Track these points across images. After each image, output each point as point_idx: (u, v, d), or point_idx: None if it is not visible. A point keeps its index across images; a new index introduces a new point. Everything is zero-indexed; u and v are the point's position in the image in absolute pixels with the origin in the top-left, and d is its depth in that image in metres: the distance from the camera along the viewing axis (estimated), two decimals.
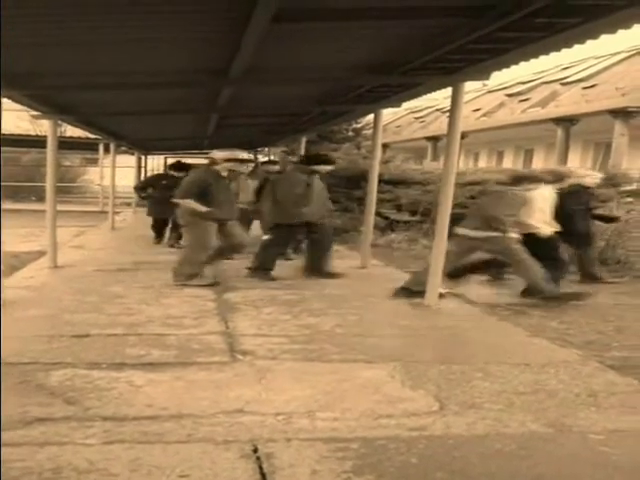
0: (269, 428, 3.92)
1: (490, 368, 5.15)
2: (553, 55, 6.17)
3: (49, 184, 10.05)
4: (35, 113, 10.38)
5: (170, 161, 23.04)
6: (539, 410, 4.30)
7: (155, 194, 13.27)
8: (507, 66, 6.80)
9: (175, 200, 8.80)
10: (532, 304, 7.60)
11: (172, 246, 12.46)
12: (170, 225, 13.11)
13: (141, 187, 14.70)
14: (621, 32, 5.33)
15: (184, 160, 14.95)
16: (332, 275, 9.25)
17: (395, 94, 9.44)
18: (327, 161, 9.56)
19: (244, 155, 9.23)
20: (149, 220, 14.06)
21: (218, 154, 8.85)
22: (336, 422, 4.04)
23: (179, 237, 12.14)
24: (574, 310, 7.42)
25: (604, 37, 5.47)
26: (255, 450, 3.61)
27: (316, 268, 9.34)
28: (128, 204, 22.91)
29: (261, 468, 3.41)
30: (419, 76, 7.82)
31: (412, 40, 6.37)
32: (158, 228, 13.67)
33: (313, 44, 6.49)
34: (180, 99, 10.15)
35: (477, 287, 8.65)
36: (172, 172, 13.15)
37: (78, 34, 5.62)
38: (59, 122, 12.40)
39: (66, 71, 7.26)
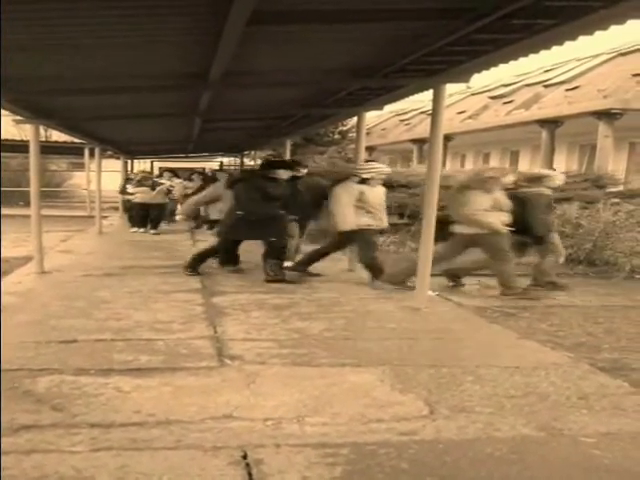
0: (258, 434, 3.89)
1: (480, 371, 5.13)
2: (535, 57, 6.20)
3: (33, 189, 9.98)
4: (18, 118, 10.30)
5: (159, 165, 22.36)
6: (530, 413, 4.28)
7: (252, 209, 9.15)
8: (487, 68, 6.81)
9: None
10: (522, 306, 7.61)
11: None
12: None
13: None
14: (601, 34, 5.35)
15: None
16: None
17: (377, 97, 9.45)
18: None
19: None
20: None
21: None
22: (325, 427, 4.01)
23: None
24: (563, 312, 7.42)
25: (585, 39, 5.49)
26: (244, 456, 3.58)
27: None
28: (115, 208, 22.84)
29: (250, 475, 3.38)
30: (400, 79, 7.84)
31: (392, 43, 6.37)
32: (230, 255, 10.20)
33: (293, 47, 6.47)
34: (162, 103, 10.11)
35: (465, 288, 8.65)
36: (272, 174, 9.50)
37: (59, 39, 5.58)
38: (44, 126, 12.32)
39: (47, 76, 7.20)
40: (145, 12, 4.95)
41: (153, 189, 17.11)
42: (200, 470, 3.42)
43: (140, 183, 17.32)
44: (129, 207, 18.30)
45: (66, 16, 4.92)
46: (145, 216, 17.16)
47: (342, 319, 6.91)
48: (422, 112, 31.26)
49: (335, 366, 5.27)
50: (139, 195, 17.08)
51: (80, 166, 28.14)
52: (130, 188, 17.61)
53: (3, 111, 9.33)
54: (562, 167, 21.98)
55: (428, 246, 7.45)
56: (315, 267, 9.67)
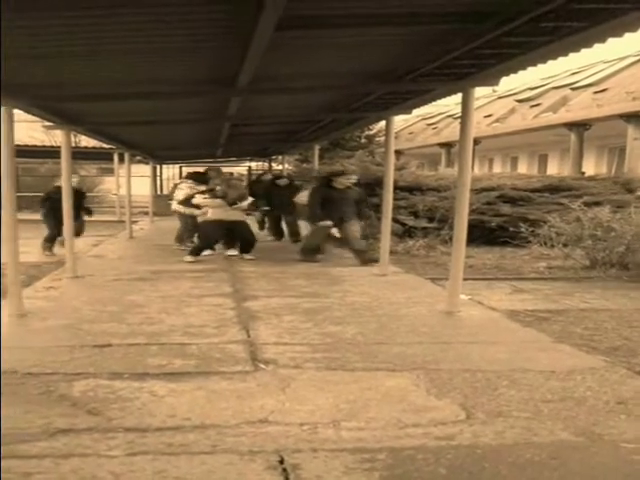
0: (294, 438, 3.88)
1: (515, 375, 5.09)
2: (561, 60, 6.19)
3: (65, 194, 10.03)
4: (48, 124, 10.37)
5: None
6: (568, 418, 4.23)
7: None
8: (515, 71, 6.80)
9: None
10: (555, 310, 7.54)
11: None
12: None
13: None
14: (628, 35, 5.31)
15: None
16: None
17: (405, 101, 9.43)
18: None
19: None
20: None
21: None
22: (362, 432, 3.99)
23: None
24: (597, 315, 7.33)
25: (612, 41, 5.46)
26: (281, 461, 3.57)
27: None
28: (145, 213, 22.95)
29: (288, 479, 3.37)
30: (428, 82, 7.81)
31: (420, 46, 6.35)
32: None
33: (321, 52, 6.48)
34: (191, 109, 10.17)
35: (498, 292, 8.60)
36: None
37: (89, 44, 5.62)
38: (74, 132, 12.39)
39: (78, 81, 7.24)
40: (176, 19, 4.98)
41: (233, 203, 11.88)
42: (238, 475, 3.41)
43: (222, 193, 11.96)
44: (192, 228, 13.17)
45: (98, 23, 4.95)
46: (220, 238, 12.51)
47: (374, 323, 6.88)
48: (449, 116, 31.22)
49: (369, 370, 5.24)
50: (212, 210, 11.91)
51: (109, 171, 28.30)
52: (200, 198, 12.17)
53: (31, 117, 9.44)
54: (591, 170, 21.89)
55: (460, 249, 7.41)
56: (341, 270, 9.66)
